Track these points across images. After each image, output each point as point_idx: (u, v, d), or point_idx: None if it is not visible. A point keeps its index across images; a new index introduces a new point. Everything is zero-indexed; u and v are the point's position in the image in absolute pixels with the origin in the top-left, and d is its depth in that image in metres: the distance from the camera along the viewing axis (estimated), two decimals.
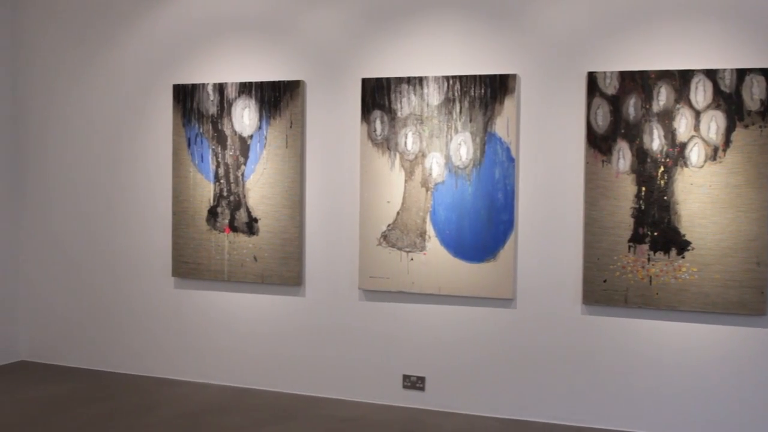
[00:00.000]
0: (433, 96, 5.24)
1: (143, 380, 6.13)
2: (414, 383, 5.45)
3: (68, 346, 6.56)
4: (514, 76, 5.10)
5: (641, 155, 4.87)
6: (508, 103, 5.11)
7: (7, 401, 5.58)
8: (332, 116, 5.60)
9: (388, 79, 5.36)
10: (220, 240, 5.84)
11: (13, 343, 6.69)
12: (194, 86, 5.90)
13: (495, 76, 5.14)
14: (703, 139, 4.76)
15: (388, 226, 5.39)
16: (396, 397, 5.51)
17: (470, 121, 5.17)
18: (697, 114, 4.77)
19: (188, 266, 5.96)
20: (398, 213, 5.36)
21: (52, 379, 6.15)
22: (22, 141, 6.64)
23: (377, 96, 5.38)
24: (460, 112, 5.19)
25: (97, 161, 6.37)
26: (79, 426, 5.05)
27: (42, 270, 6.65)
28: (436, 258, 5.28)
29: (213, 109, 5.84)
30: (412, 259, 5.34)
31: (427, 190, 5.29)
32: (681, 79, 4.79)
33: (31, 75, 6.59)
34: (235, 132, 5.77)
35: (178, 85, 5.96)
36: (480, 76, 5.15)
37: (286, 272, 5.67)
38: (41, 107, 6.57)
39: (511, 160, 5.11)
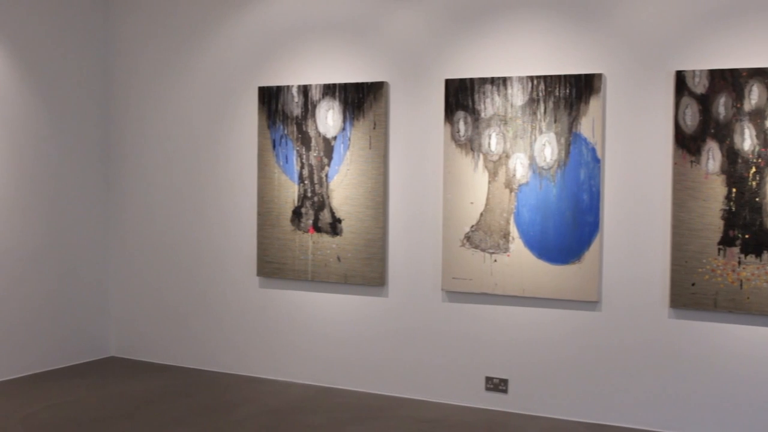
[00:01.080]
0: (517, 96, 5.30)
1: (228, 377, 6.35)
2: (497, 385, 5.52)
3: (155, 343, 6.83)
4: (599, 76, 5.13)
5: (732, 156, 4.84)
6: (594, 103, 5.14)
7: (97, 395, 5.86)
8: (415, 117, 5.71)
9: (471, 80, 5.44)
10: (304, 240, 6.01)
11: (104, 339, 7.00)
12: (279, 88, 6.09)
13: (580, 75, 5.17)
14: None
15: (472, 227, 5.47)
16: (478, 399, 5.58)
17: (555, 121, 5.22)
18: None
19: (273, 266, 6.15)
20: (482, 214, 5.44)
21: (139, 375, 6.42)
22: (113, 142, 6.94)
23: (461, 97, 5.47)
24: (545, 112, 5.24)
25: (185, 162, 6.62)
26: (165, 421, 5.28)
27: (131, 268, 6.94)
28: (519, 259, 5.34)
29: (297, 111, 6.02)
30: (495, 261, 5.41)
31: (510, 191, 5.35)
32: None
33: (121, 78, 6.89)
34: (319, 133, 5.94)
35: (264, 87, 6.16)
36: (565, 76, 5.20)
37: (369, 273, 5.81)
38: (131, 109, 6.86)
39: (597, 161, 5.14)
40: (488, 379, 5.55)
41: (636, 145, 5.10)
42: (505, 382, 5.50)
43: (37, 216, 6.44)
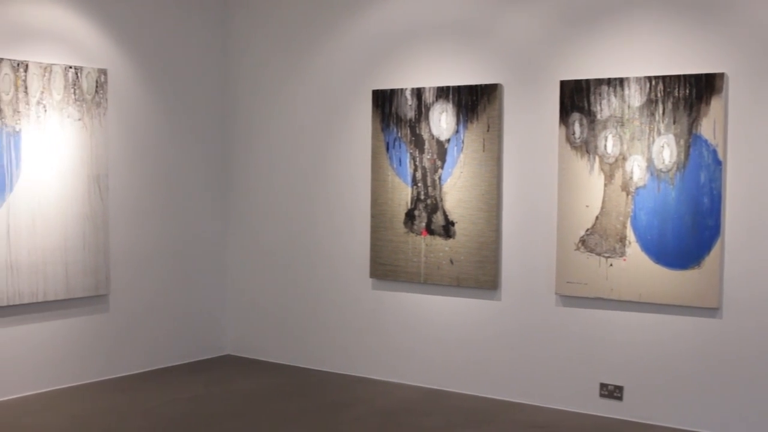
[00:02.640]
0: (635, 97, 5.31)
1: (340, 378, 6.54)
2: (611, 392, 5.53)
3: (270, 343, 7.10)
4: (721, 75, 5.09)
5: None
6: (715, 104, 5.10)
7: (213, 393, 6.15)
8: (530, 119, 5.78)
9: (587, 81, 5.48)
10: (416, 243, 6.15)
11: (220, 337, 7.32)
12: (393, 91, 6.25)
13: (701, 75, 5.14)
14: None
15: (587, 230, 5.50)
16: (592, 406, 5.60)
17: (674, 122, 5.21)
18: None
19: (386, 268, 6.32)
20: (597, 217, 5.47)
21: (254, 374, 6.69)
22: (230, 143, 7.26)
23: (576, 98, 5.51)
24: (663, 113, 5.23)
25: (299, 164, 6.87)
26: (279, 420, 5.51)
27: (247, 268, 7.23)
28: (636, 264, 5.34)
29: (411, 114, 6.17)
30: (611, 265, 5.43)
31: (627, 194, 5.36)
32: None
33: (238, 81, 7.20)
34: (432, 136, 6.07)
35: (377, 90, 6.34)
36: (684, 75, 5.17)
37: (482, 276, 5.90)
38: (247, 111, 7.16)
39: (718, 163, 5.10)
40: (603, 386, 5.56)
41: (761, 147, 5.03)
42: (620, 389, 5.50)
43: (157, 217, 6.79)
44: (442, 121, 6.03)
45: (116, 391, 6.13)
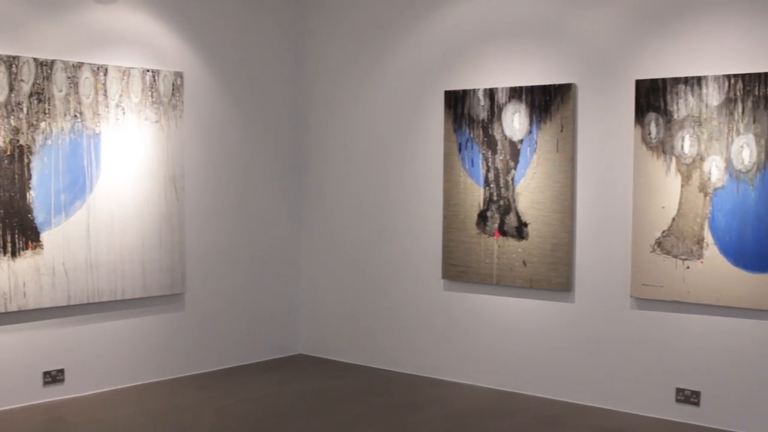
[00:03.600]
0: (713, 96, 5.24)
1: (412, 379, 6.59)
2: (688, 397, 5.46)
3: (342, 342, 7.18)
4: None
5: None
6: None
7: (286, 391, 6.25)
8: (604, 119, 5.74)
9: (663, 80, 5.42)
10: (489, 244, 6.17)
11: (293, 337, 7.43)
12: (465, 92, 6.28)
13: None
14: None
15: (663, 232, 5.45)
16: (668, 411, 5.54)
17: (754, 122, 5.12)
18: None
19: (458, 269, 6.35)
20: (674, 219, 5.41)
21: (326, 373, 6.78)
22: (304, 144, 7.37)
23: (652, 98, 5.46)
24: (743, 112, 5.15)
25: (372, 165, 6.94)
26: (351, 419, 5.58)
27: (321, 268, 7.33)
28: (714, 266, 5.27)
29: (483, 114, 6.19)
30: (688, 267, 5.36)
31: (705, 196, 5.29)
32: None
33: (311, 82, 7.31)
34: (505, 136, 6.08)
35: (450, 91, 6.37)
36: (765, 73, 5.09)
37: (555, 277, 5.89)
38: (320, 112, 7.26)
39: None
40: (679, 391, 5.50)
41: None
42: (697, 394, 5.43)
43: (231, 217, 6.94)
44: (515, 121, 6.04)
45: (191, 388, 6.29)
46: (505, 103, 6.08)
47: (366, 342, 7.02)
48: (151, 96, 6.28)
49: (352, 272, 7.10)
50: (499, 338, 6.25)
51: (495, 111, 6.12)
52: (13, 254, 5.60)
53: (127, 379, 6.30)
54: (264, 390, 6.26)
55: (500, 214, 6.11)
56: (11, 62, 5.57)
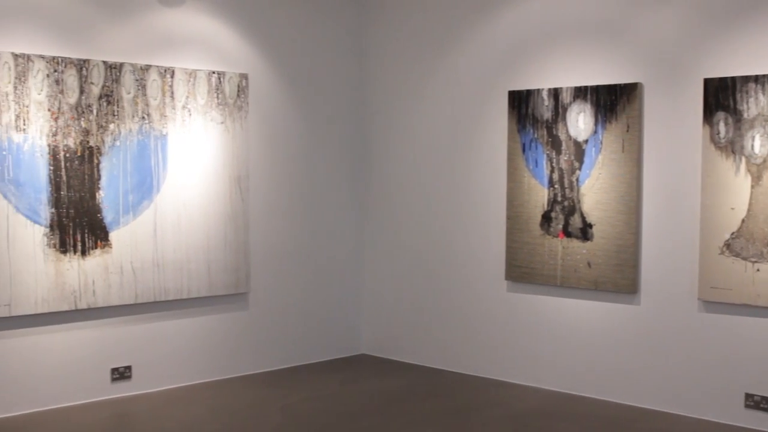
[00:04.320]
0: None
1: (474, 380, 6.58)
2: (758, 403, 5.35)
3: (404, 342, 7.20)
4: None
5: None
6: None
7: (349, 391, 6.30)
8: (671, 119, 5.66)
9: (733, 78, 5.32)
10: (553, 245, 6.13)
11: (356, 336, 7.48)
12: (529, 92, 6.25)
13: None
14: None
15: (732, 234, 5.35)
16: (736, 417, 5.43)
17: None
18: None
19: (521, 270, 6.32)
20: (743, 220, 5.31)
21: (388, 373, 6.81)
22: (367, 145, 7.41)
23: (721, 97, 5.37)
24: None
25: (435, 165, 6.95)
26: (413, 420, 5.59)
27: (383, 269, 7.36)
28: None
29: (548, 114, 6.15)
30: (758, 270, 5.26)
31: None
32: None
33: (374, 82, 7.34)
34: (569, 137, 6.03)
35: (513, 91, 6.35)
36: None
37: (620, 279, 5.83)
38: (385, 113, 7.29)
39: None
40: (748, 396, 5.39)
41: None
42: (767, 400, 5.32)
43: (295, 217, 7.01)
44: (579, 121, 5.99)
45: (255, 386, 6.37)
46: (570, 103, 6.03)
47: (428, 342, 7.03)
48: (217, 97, 6.37)
49: (415, 273, 7.11)
50: (562, 340, 6.21)
51: (559, 111, 6.08)
52: (83, 253, 5.74)
53: (192, 376, 6.41)
54: (327, 389, 6.31)
55: (564, 215, 6.07)
56: (82, 65, 5.71)
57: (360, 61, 7.41)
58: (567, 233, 6.06)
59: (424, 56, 6.99)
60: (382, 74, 7.30)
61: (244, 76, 6.54)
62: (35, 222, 5.55)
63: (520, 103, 6.29)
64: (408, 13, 7.10)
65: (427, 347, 7.04)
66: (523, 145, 6.28)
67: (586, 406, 5.88)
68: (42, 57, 5.55)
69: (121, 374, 6.04)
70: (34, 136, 5.53)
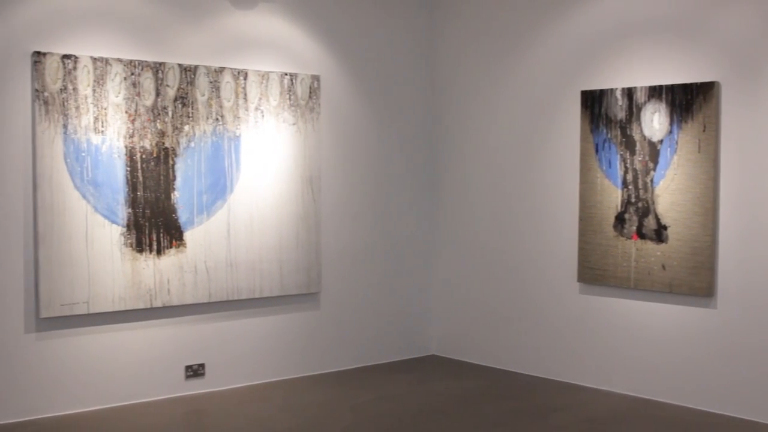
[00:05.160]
0: None
1: (545, 382, 6.52)
2: None
3: (474, 344, 7.18)
4: None
5: None
6: None
7: (419, 391, 6.30)
8: (751, 118, 5.52)
9: None
10: (626, 247, 6.04)
11: (426, 337, 7.48)
12: (602, 91, 6.17)
13: None
14: None
15: None
16: None
17: None
18: None
19: (594, 272, 6.24)
20: None
21: (458, 374, 6.79)
22: (438, 146, 7.40)
23: None
24: None
25: (506, 165, 6.91)
26: (483, 422, 5.57)
27: (454, 269, 7.35)
28: None
29: (621, 114, 6.06)
30: None
31: None
32: None
33: (445, 82, 7.33)
34: (644, 137, 5.94)
35: (586, 90, 6.27)
36: None
37: (696, 282, 5.71)
38: (455, 113, 7.27)
39: None
40: None
41: None
42: None
43: (366, 218, 7.04)
44: (654, 121, 5.89)
45: (326, 385, 6.41)
46: (644, 103, 5.94)
47: (499, 343, 7.00)
48: (289, 99, 6.44)
49: (486, 274, 7.08)
50: (635, 343, 6.11)
51: (633, 111, 5.99)
52: (158, 252, 5.85)
53: (264, 374, 6.48)
54: (397, 390, 6.32)
55: (638, 217, 5.98)
56: (157, 68, 5.83)
57: (431, 62, 7.41)
58: (641, 235, 5.97)
59: (496, 57, 6.96)
60: (453, 75, 7.29)
61: (315, 78, 6.59)
62: (113, 222, 5.68)
63: (593, 102, 6.22)
64: (479, 14, 7.08)
65: (498, 349, 7.00)
66: (596, 146, 6.20)
67: (660, 411, 5.77)
68: (119, 60, 5.68)
69: (195, 372, 6.14)
70: (112, 137, 5.66)
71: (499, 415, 5.69)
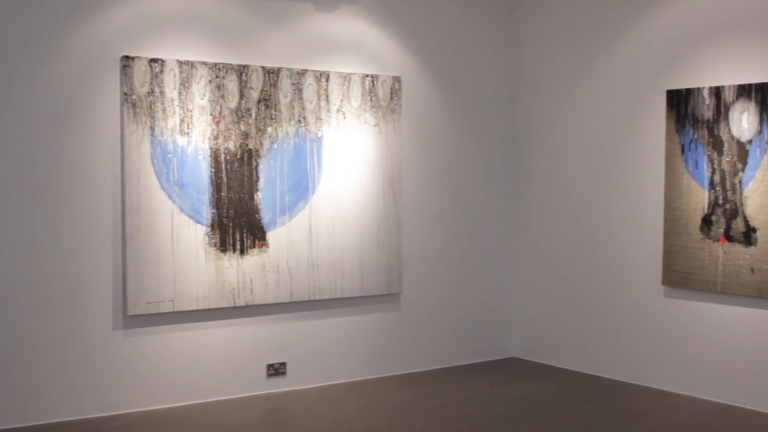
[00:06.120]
0: None
1: (627, 387, 6.40)
2: None
3: (556, 347, 7.10)
4: None
5: None
6: None
7: (500, 394, 6.26)
8: None
9: None
10: (713, 249, 5.89)
11: (507, 340, 7.42)
12: (688, 91, 6.03)
13: None
14: None
15: None
16: None
17: None
18: None
19: (679, 275, 6.11)
20: None
21: (539, 378, 6.72)
22: (518, 147, 7.34)
23: None
24: None
25: (589, 167, 6.81)
26: (565, 427, 5.49)
27: (534, 272, 7.28)
28: None
29: (708, 114, 5.92)
30: None
31: None
32: None
33: (527, 83, 7.27)
34: (732, 137, 5.79)
35: (672, 90, 6.14)
36: None
37: None
38: (536, 114, 7.21)
39: None
40: None
41: None
42: None
43: (446, 219, 7.03)
44: (743, 121, 5.74)
45: (405, 386, 6.42)
46: (733, 102, 5.79)
47: (581, 347, 6.90)
48: (371, 100, 6.47)
49: (567, 276, 7.00)
50: (722, 349, 5.96)
51: (721, 110, 5.84)
52: (242, 252, 5.94)
53: (344, 374, 6.52)
54: (477, 392, 6.29)
55: (726, 219, 5.83)
56: (241, 71, 5.92)
57: (512, 63, 7.36)
58: (729, 237, 5.82)
59: (578, 56, 6.87)
60: (535, 74, 7.22)
61: (397, 79, 6.60)
62: (197, 222, 5.79)
63: (679, 102, 6.09)
64: (560, 14, 7.00)
65: (580, 352, 6.91)
66: (682, 146, 6.07)
67: (746, 419, 5.62)
68: (204, 63, 5.79)
69: (276, 370, 6.21)
70: (197, 139, 5.77)
71: (582, 420, 5.61)
